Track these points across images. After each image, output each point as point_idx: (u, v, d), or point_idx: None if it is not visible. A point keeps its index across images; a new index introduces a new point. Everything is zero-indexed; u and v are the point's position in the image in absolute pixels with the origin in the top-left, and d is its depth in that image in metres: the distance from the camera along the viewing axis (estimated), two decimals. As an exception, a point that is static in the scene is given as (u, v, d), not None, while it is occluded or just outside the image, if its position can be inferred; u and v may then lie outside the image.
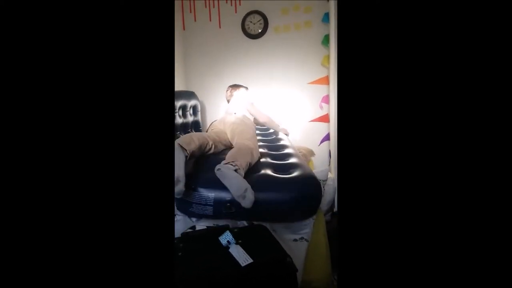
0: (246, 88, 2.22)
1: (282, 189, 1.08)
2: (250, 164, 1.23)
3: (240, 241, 0.86)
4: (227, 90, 2.21)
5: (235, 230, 0.94)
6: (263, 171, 1.21)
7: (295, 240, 1.07)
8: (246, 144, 1.34)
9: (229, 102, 2.13)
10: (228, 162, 1.12)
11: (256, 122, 2.08)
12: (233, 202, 1.06)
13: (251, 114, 1.96)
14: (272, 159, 1.43)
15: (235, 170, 1.08)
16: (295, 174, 1.18)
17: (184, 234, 0.94)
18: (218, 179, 1.09)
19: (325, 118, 2.39)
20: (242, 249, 0.82)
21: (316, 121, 2.43)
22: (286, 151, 1.56)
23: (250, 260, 0.78)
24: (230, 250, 0.83)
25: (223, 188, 1.07)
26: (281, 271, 0.77)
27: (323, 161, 2.37)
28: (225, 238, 0.87)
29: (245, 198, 1.02)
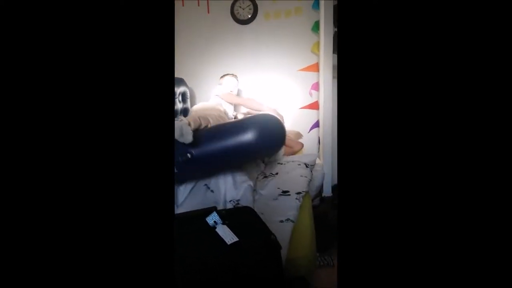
0: (233, 75, 2.25)
1: (239, 131, 1.15)
2: (203, 121, 1.33)
3: (226, 222, 0.88)
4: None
5: (222, 211, 0.96)
6: (220, 123, 1.32)
7: (281, 221, 1.10)
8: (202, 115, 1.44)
9: None
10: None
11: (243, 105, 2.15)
12: (190, 152, 1.17)
13: (226, 101, 2.04)
14: None
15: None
16: (251, 116, 1.27)
17: (172, 216, 0.96)
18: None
19: (314, 105, 2.41)
20: (228, 229, 0.85)
21: (306, 108, 2.44)
22: None
23: (236, 239, 0.80)
24: (217, 230, 0.85)
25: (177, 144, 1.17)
26: (265, 248, 0.80)
27: (312, 148, 2.40)
28: (212, 218, 0.89)
29: (183, 136, 1.15)
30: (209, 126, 1.35)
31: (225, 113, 1.90)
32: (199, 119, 1.32)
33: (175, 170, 1.17)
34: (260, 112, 1.80)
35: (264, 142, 1.14)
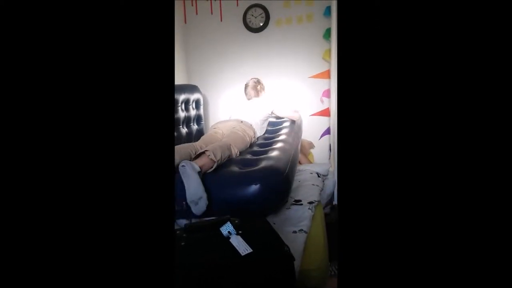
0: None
1: (241, 183, 1.10)
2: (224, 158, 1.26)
3: (240, 232, 0.89)
4: (255, 84, 2.11)
5: (236, 221, 0.97)
6: (228, 168, 1.24)
7: (294, 232, 1.10)
8: (226, 143, 1.37)
9: (253, 99, 2.07)
10: (200, 152, 1.18)
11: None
12: (184, 203, 1.09)
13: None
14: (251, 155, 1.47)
15: (198, 172, 1.11)
16: (257, 167, 1.20)
17: (187, 225, 0.98)
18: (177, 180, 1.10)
19: (325, 112, 2.41)
20: (242, 239, 0.86)
21: (317, 115, 2.44)
22: (275, 145, 1.56)
23: (250, 250, 0.81)
24: (231, 240, 0.86)
25: (181, 189, 1.09)
26: (279, 260, 0.81)
27: (324, 155, 2.39)
28: (226, 228, 0.90)
29: (197, 205, 1.06)
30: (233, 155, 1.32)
31: (254, 136, 1.75)
32: (221, 155, 1.24)
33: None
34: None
35: (266, 197, 1.09)
